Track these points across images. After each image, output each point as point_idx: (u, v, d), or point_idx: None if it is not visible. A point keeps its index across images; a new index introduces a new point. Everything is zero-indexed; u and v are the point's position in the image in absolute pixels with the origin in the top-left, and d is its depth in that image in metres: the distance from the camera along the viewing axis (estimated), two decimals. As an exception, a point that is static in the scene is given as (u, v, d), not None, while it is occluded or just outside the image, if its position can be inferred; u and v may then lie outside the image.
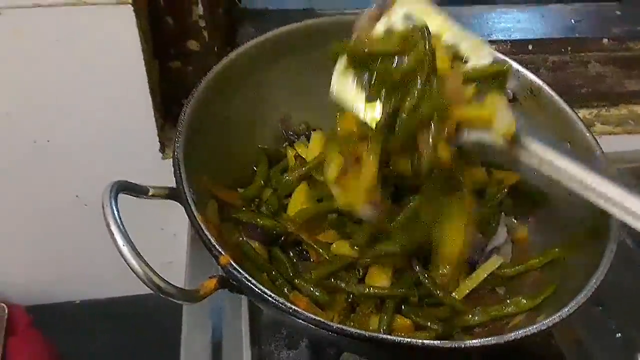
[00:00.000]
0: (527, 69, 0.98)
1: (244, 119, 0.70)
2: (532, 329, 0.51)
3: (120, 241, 0.47)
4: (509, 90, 0.72)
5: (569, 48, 0.99)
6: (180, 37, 0.89)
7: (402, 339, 0.48)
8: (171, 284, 0.48)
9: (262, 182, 0.69)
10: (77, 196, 1.01)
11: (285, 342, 0.70)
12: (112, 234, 0.47)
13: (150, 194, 0.56)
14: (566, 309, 0.52)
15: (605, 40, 1.01)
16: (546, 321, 0.51)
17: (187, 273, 0.85)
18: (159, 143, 0.94)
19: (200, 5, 0.86)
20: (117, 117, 0.90)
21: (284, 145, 0.76)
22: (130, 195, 0.54)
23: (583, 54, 1.00)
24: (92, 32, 0.79)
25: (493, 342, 0.49)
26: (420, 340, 0.48)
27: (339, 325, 0.48)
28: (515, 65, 0.72)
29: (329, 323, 0.47)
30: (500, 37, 0.99)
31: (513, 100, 0.73)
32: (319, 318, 0.47)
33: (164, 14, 0.86)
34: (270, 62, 0.71)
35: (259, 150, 0.73)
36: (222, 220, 0.62)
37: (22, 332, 1.03)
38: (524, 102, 0.72)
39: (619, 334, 0.75)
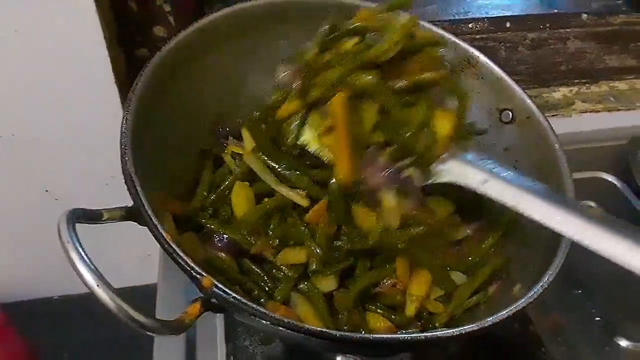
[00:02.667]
0: (505, 47, 0.96)
1: (184, 118, 0.66)
2: (496, 318, 0.49)
3: (92, 282, 0.43)
4: (445, 63, 0.71)
5: (548, 24, 0.97)
6: (146, 23, 0.86)
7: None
8: (155, 318, 0.44)
9: (204, 193, 0.65)
10: (46, 191, 0.98)
11: (259, 337, 0.69)
12: (80, 275, 0.43)
13: (104, 218, 0.51)
14: (534, 291, 0.51)
15: (584, 16, 0.98)
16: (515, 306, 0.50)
17: (161, 266, 0.84)
18: (128, 134, 0.91)
19: (164, -11, 0.83)
20: (83, 109, 0.87)
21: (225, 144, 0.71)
22: (85, 223, 0.49)
23: (562, 30, 0.97)
24: (52, 21, 0.76)
25: (456, 333, 0.47)
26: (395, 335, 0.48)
27: (342, 334, 0.46)
28: (449, 36, 0.71)
29: (331, 332, 0.46)
30: (477, 15, 0.96)
31: (451, 73, 0.72)
32: (320, 329, 0.46)
33: (127, -1, 0.83)
34: (202, 52, 0.67)
35: (201, 154, 0.68)
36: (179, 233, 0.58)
37: (-1, 331, 1.01)
38: (462, 73, 0.72)
39: (599, 318, 0.74)
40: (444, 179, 0.55)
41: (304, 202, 0.60)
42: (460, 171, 0.54)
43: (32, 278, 1.14)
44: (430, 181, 0.56)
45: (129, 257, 1.16)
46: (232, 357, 0.68)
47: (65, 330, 1.14)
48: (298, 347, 0.67)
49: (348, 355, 0.67)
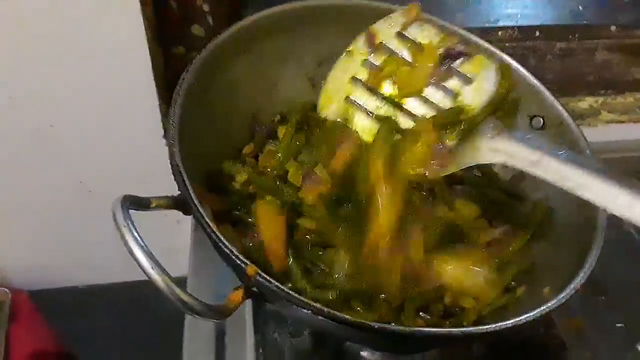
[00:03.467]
0: (534, 56, 0.98)
1: (222, 115, 0.68)
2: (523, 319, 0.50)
3: (147, 265, 0.45)
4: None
5: (576, 35, 0.98)
6: (184, 22, 0.88)
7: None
8: (202, 302, 0.47)
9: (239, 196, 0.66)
10: (80, 182, 1.01)
11: (288, 330, 0.71)
12: (136, 258, 0.45)
13: (152, 206, 0.54)
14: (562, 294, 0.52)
15: (612, 28, 0.99)
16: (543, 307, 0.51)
17: (191, 261, 0.86)
18: (162, 129, 0.93)
19: (204, -11, 0.85)
20: (120, 102, 0.89)
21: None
22: (135, 210, 0.51)
23: (590, 41, 0.99)
24: (96, 16, 0.79)
25: (491, 330, 0.49)
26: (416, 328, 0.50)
27: (381, 325, 0.48)
28: (482, 42, 0.72)
29: (370, 324, 0.47)
30: (507, 24, 0.97)
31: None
32: (359, 320, 0.47)
33: (168, -2, 0.85)
34: (242, 51, 0.69)
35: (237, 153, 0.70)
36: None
37: (26, 318, 1.04)
38: None
39: (621, 324, 0.75)
40: (494, 159, 0.52)
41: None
42: (510, 150, 0.50)
43: (59, 267, 1.17)
44: (479, 162, 0.53)
45: (153, 251, 1.18)
46: (260, 349, 0.70)
47: (89, 319, 1.16)
48: (330, 339, 0.68)
49: (374, 350, 0.68)
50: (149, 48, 0.82)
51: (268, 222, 0.59)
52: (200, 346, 0.73)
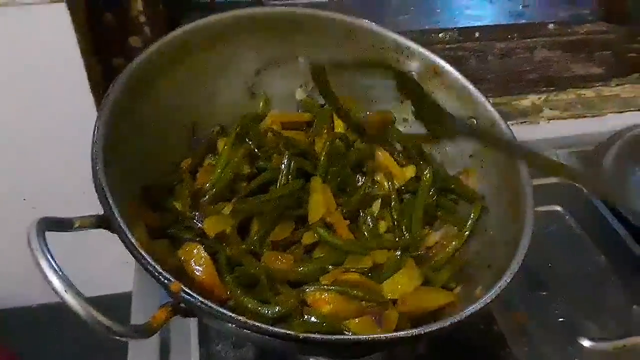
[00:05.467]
0: (475, 56, 0.99)
1: (158, 128, 0.66)
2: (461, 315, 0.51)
3: (60, 288, 0.44)
4: (413, 73, 0.74)
5: (515, 34, 1.00)
6: (121, 33, 0.87)
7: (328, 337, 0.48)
8: (121, 323, 0.45)
9: (179, 206, 0.64)
10: (24, 199, 0.99)
11: (232, 342, 0.70)
12: (49, 281, 0.44)
13: (75, 226, 0.52)
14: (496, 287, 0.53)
15: (551, 25, 1.01)
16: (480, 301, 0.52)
17: (136, 274, 0.85)
18: (103, 143, 0.92)
19: (140, 0, 0.84)
20: (60, 117, 0.88)
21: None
22: (56, 231, 0.50)
23: (529, 40, 1.01)
24: (27, 32, 0.78)
25: (416, 333, 0.49)
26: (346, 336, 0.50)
27: (305, 335, 0.47)
28: (416, 47, 0.73)
29: (293, 334, 0.47)
30: (448, 25, 0.99)
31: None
32: (284, 331, 0.47)
33: (103, 10, 0.84)
34: (176, 62, 0.68)
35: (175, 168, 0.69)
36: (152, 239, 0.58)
37: (-24, 339, 1.01)
38: (428, 83, 0.74)
39: (562, 319, 0.76)
40: None
41: None
42: None
43: (10, 287, 1.14)
44: None
45: (112, 264, 1.16)
46: (205, 361, 0.70)
47: (45, 339, 1.14)
48: (268, 350, 0.68)
49: (318, 357, 0.68)
50: (84, 61, 0.81)
51: (194, 266, 0.57)
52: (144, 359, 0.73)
